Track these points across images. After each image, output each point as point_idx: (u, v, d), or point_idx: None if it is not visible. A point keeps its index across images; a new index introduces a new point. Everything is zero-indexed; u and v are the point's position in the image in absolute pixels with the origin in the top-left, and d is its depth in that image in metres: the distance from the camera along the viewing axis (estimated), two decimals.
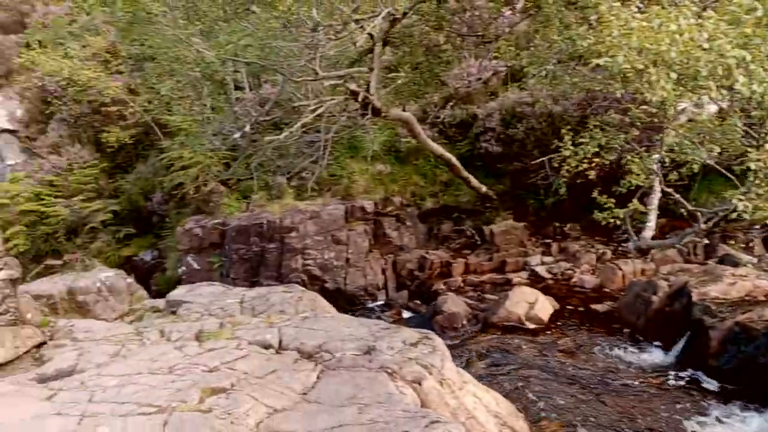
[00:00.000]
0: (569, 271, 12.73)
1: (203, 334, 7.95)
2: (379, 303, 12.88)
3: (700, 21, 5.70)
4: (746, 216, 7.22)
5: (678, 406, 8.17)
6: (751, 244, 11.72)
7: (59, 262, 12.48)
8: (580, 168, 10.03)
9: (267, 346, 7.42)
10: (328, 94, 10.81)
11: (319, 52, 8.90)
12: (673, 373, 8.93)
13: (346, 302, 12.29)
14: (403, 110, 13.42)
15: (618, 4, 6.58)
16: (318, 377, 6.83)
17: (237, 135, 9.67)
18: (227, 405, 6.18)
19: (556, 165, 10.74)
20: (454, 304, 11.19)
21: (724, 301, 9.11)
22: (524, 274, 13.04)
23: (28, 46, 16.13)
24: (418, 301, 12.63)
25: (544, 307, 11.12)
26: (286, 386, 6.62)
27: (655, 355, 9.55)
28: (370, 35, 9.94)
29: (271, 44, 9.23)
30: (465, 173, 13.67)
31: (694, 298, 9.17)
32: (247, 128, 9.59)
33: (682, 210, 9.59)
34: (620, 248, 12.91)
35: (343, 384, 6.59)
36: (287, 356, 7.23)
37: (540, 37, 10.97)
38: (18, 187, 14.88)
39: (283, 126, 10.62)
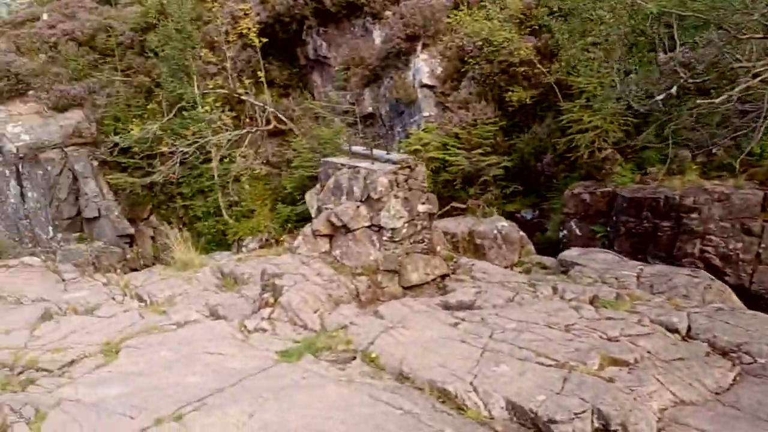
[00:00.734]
0: None
1: (599, 300, 7.52)
2: None
3: None
4: None
5: None
6: None
7: (463, 206, 13.35)
8: None
9: (673, 330, 6.64)
10: None
11: None
12: None
13: (750, 303, 10.49)
14: None
15: None
16: (735, 379, 5.82)
17: (659, 98, 8.78)
18: (630, 380, 5.69)
19: None
20: None
21: None
22: None
23: (456, 7, 17.48)
24: None
25: None
26: (696, 379, 5.81)
27: None
28: None
29: None
30: None
31: None
32: (674, 90, 8.61)
33: None
34: None
35: None
36: (697, 346, 6.36)
37: None
38: (429, 136, 16.36)
39: (710, 91, 9.28)
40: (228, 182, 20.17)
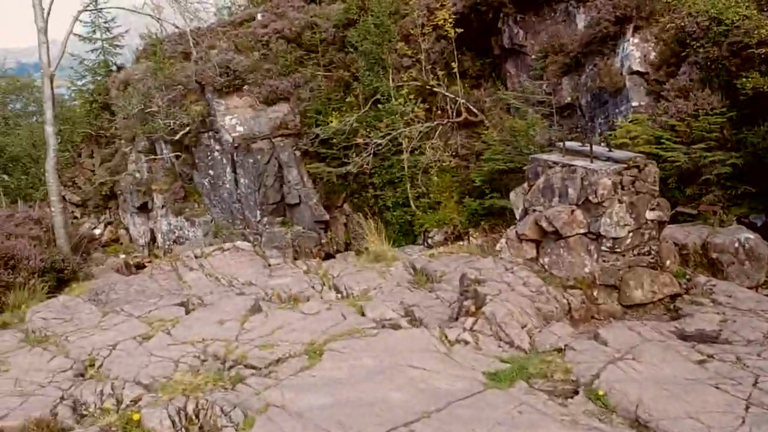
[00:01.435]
0: None
1: None
2: None
3: None
4: None
5: None
6: None
7: (693, 211, 11.42)
8: None
9: None
10: None
11: None
12: None
13: None
14: None
15: None
16: None
17: None
18: None
19: None
20: None
21: None
22: None
23: None
24: None
25: None
26: None
27: None
28: None
29: None
30: None
31: None
32: None
33: None
34: None
35: None
36: None
37: None
38: (639, 128, 14.37)
39: None
40: (417, 174, 19.78)
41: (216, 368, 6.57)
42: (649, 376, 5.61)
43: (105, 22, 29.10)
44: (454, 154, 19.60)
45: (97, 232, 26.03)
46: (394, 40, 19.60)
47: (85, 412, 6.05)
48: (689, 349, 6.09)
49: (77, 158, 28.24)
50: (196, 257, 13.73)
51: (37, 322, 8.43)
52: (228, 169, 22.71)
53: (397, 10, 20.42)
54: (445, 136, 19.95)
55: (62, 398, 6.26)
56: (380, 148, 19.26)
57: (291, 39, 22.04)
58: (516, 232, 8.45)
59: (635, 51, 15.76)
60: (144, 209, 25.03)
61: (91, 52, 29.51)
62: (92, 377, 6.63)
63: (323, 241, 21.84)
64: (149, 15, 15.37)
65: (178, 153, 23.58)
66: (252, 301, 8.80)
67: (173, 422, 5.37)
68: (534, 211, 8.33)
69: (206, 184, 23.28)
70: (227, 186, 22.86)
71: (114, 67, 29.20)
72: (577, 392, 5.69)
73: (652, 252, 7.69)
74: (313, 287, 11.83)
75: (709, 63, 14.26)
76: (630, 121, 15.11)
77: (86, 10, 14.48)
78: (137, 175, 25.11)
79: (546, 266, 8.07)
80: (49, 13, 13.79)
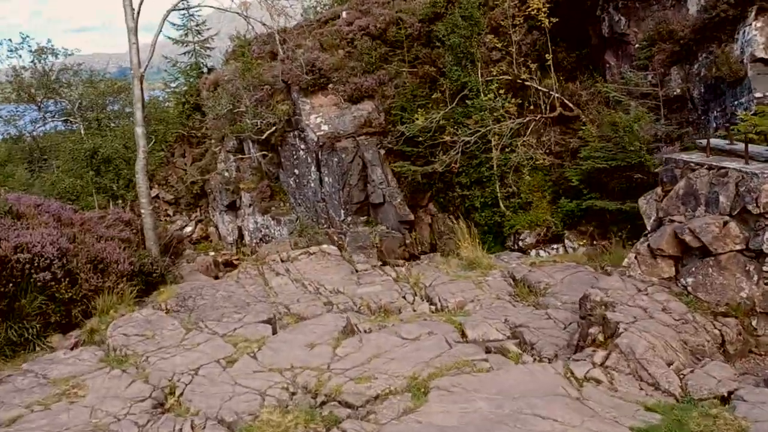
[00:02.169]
0: None
1: None
2: None
3: None
4: None
5: None
6: None
7: None
8: None
9: None
10: None
11: None
12: None
13: None
14: None
15: None
16: None
17: None
18: None
19: None
20: None
21: None
22: None
23: None
24: None
25: None
26: None
27: None
28: None
29: None
30: None
31: None
32: None
33: None
34: None
35: None
36: None
37: None
38: (766, 121, 12.32)
39: None
40: (507, 172, 18.28)
41: (307, 404, 5.57)
42: None
43: (196, 25, 29.22)
44: (547, 151, 17.95)
45: (188, 229, 26.13)
46: (483, 33, 18.16)
47: None
48: None
49: (170, 158, 28.51)
50: (282, 261, 12.97)
51: (118, 338, 7.78)
52: (312, 168, 22.02)
53: (486, 1, 18.94)
54: (538, 133, 18.31)
55: None
56: (468, 146, 17.90)
57: (376, 36, 21.00)
58: (648, 245, 6.98)
59: (759, 36, 13.58)
60: (232, 207, 24.82)
61: (183, 54, 29.75)
62: (171, 409, 5.81)
63: (408, 241, 20.71)
64: (237, 12, 14.79)
65: (265, 152, 23.13)
66: (343, 321, 7.76)
67: None
68: (671, 221, 6.84)
69: (291, 183, 22.70)
70: (312, 185, 22.18)
71: (205, 69, 29.28)
72: None
73: None
74: (404, 297, 10.75)
75: None
76: (754, 114, 13.05)
77: (175, 9, 13.96)
78: (226, 174, 24.93)
79: (689, 288, 6.56)
80: (138, 14, 13.40)
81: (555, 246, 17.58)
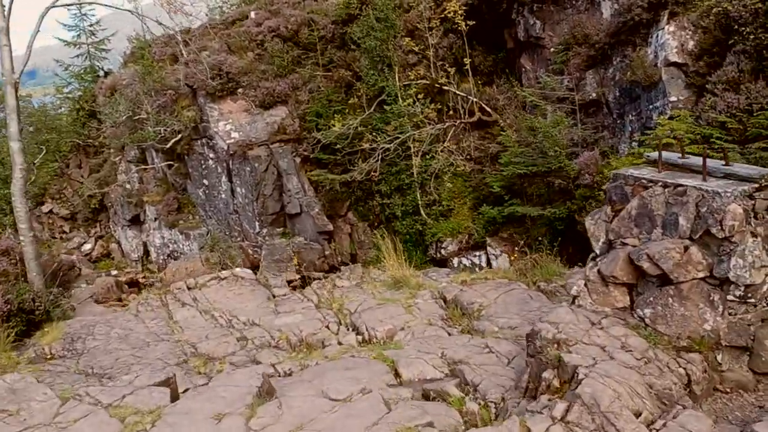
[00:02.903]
0: None
1: None
2: None
3: None
4: None
5: None
6: None
7: None
8: None
9: None
10: None
11: None
12: None
13: None
14: None
15: None
16: None
17: None
18: None
19: None
20: None
21: None
22: None
23: None
24: None
25: None
26: None
27: None
28: None
29: None
30: None
31: None
32: None
33: None
34: None
35: None
36: None
37: None
38: (683, 126, 12.11)
39: None
40: (428, 179, 17.45)
41: None
42: None
43: (90, 26, 26.47)
44: (467, 157, 17.27)
45: (87, 247, 23.51)
46: (400, 36, 17.20)
47: None
48: None
49: (65, 169, 25.62)
50: (189, 288, 11.34)
51: None
52: (223, 178, 20.26)
53: (401, 3, 17.98)
54: (457, 138, 17.60)
55: None
56: (388, 153, 16.88)
57: (287, 37, 19.54)
58: (599, 271, 6.15)
59: (671, 40, 13.44)
60: (136, 222, 22.53)
61: (76, 57, 26.87)
62: None
63: (327, 252, 19.44)
64: (128, 11, 12.92)
65: (171, 162, 21.08)
66: (258, 379, 6.41)
67: None
68: (624, 244, 6.04)
69: (201, 194, 20.81)
70: (223, 196, 20.40)
71: (101, 73, 26.57)
72: None
73: None
74: (327, 326, 9.48)
75: (760, 51, 12.03)
76: (670, 118, 12.86)
77: (55, 6, 11.94)
78: (128, 186, 22.57)
79: (647, 320, 5.77)
80: (10, 11, 11.30)
81: (477, 253, 16.92)
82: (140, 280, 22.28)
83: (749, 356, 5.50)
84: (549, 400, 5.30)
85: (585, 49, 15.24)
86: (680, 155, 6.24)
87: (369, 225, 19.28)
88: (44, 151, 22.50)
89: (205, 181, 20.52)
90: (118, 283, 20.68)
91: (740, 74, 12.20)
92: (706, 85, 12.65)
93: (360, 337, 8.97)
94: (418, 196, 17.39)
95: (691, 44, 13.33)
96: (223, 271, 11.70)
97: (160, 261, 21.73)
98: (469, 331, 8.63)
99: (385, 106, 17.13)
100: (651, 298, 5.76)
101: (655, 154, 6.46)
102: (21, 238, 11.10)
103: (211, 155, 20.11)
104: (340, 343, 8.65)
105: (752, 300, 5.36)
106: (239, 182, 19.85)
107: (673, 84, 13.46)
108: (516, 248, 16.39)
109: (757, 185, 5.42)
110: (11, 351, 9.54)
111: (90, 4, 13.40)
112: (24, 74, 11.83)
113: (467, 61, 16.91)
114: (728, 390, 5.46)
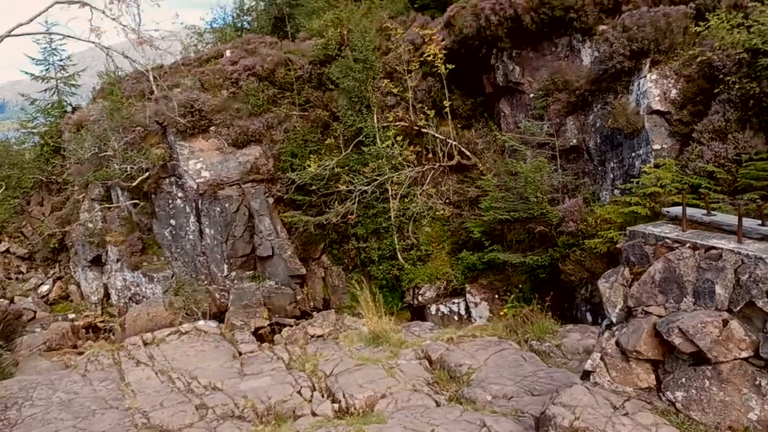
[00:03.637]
0: None
1: None
2: None
3: None
4: None
5: None
6: None
7: None
8: None
9: None
10: None
11: None
12: None
13: None
14: None
15: None
16: None
17: None
18: None
19: None
20: None
21: None
22: None
23: (699, 15, 12.58)
24: None
25: None
26: None
27: None
28: None
29: None
30: None
31: None
32: None
33: None
34: None
35: None
36: None
37: None
38: (669, 175, 11.48)
39: None
40: (406, 223, 16.51)
41: None
42: None
43: (60, 60, 25.25)
44: (446, 200, 16.42)
45: (45, 288, 21.73)
46: (378, 77, 16.50)
47: None
48: None
49: (25, 206, 23.94)
50: (145, 344, 9.98)
51: None
52: (192, 219, 18.97)
53: (380, 45, 17.36)
54: (435, 181, 16.79)
55: None
56: (365, 195, 15.94)
57: (263, 77, 18.66)
58: (618, 343, 5.19)
59: (654, 88, 12.97)
60: (97, 263, 20.91)
61: (44, 92, 25.52)
62: None
63: (299, 297, 18.21)
64: (91, 42, 11.85)
65: (136, 201, 19.71)
66: None
67: None
68: (646, 313, 5.12)
69: (167, 235, 19.43)
70: (191, 237, 19.07)
71: (69, 108, 25.24)
72: None
73: None
74: (299, 392, 8.26)
75: (746, 100, 11.59)
76: (655, 166, 12.25)
77: (10, 36, 10.80)
78: (90, 225, 21.01)
79: (678, 405, 4.80)
80: None
81: (456, 300, 15.92)
82: (99, 324, 20.63)
83: None
84: None
85: (565, 95, 14.71)
86: (705, 211, 5.41)
87: (344, 269, 18.16)
88: (3, 187, 20.99)
89: (173, 221, 19.20)
90: (74, 329, 19.00)
91: (727, 123, 11.70)
92: (692, 134, 12.12)
93: (336, 406, 7.78)
94: (396, 240, 16.41)
95: (673, 92, 12.88)
96: (184, 325, 10.38)
97: (121, 304, 20.11)
98: (458, 399, 7.53)
99: (363, 147, 16.27)
100: (683, 379, 4.81)
101: (674, 209, 5.62)
102: None
103: (180, 194, 18.86)
104: (314, 414, 7.45)
105: None
106: (208, 223, 18.59)
107: (656, 132, 12.93)
108: (496, 296, 15.48)
109: None
110: None
111: (44, 34, 12.24)
112: None
113: (447, 103, 16.24)
114: None
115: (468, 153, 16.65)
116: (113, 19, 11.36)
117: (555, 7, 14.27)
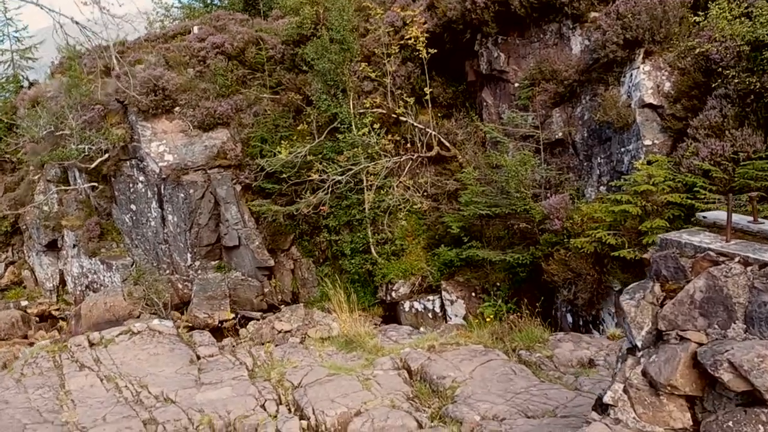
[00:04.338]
0: None
1: None
2: None
3: None
4: None
5: None
6: None
7: None
8: None
9: None
10: None
11: None
12: None
13: None
14: None
15: None
16: None
17: None
18: None
19: None
20: None
21: None
22: None
23: (697, 5, 11.77)
24: None
25: None
26: None
27: None
28: None
29: None
30: None
31: None
32: None
33: None
34: None
35: None
36: None
37: None
38: (662, 172, 10.66)
39: None
40: (380, 216, 15.44)
41: None
42: None
43: (16, 31, 23.26)
44: (424, 193, 15.39)
45: None
46: (355, 60, 15.30)
47: None
48: None
49: None
50: (91, 345, 8.69)
51: None
52: (154, 204, 17.52)
53: (358, 26, 16.14)
54: (413, 173, 15.73)
55: None
56: (339, 185, 14.79)
57: (232, 56, 17.24)
58: (645, 373, 4.25)
59: (647, 80, 12.11)
60: (53, 248, 19.31)
61: None
62: None
63: (266, 290, 17.00)
64: (35, 3, 10.31)
65: (95, 183, 18.16)
66: None
67: None
68: (682, 339, 4.18)
69: (127, 220, 17.95)
70: (152, 224, 17.64)
71: (25, 83, 23.31)
72: None
73: None
74: (263, 406, 7.14)
75: (745, 96, 10.82)
76: (649, 163, 11.41)
77: None
78: (45, 207, 19.36)
79: None
80: None
81: (431, 297, 14.93)
82: (54, 312, 19.11)
83: None
84: None
85: (552, 86, 13.76)
86: (751, 218, 4.48)
87: (314, 262, 17.01)
88: None
89: (133, 207, 17.72)
90: (25, 318, 17.46)
91: (724, 119, 10.89)
92: (687, 130, 11.30)
93: (305, 423, 6.70)
94: (369, 233, 15.33)
95: (667, 85, 12.03)
96: (136, 324, 9.12)
97: (78, 292, 18.59)
98: (442, 418, 6.54)
99: (337, 135, 15.09)
100: (729, 423, 3.88)
101: (711, 214, 4.68)
102: None
103: (141, 178, 17.39)
104: None
105: None
106: (171, 209, 17.18)
107: (647, 127, 12.08)
108: (473, 294, 14.57)
109: None
110: None
111: None
112: None
113: (427, 90, 15.15)
114: None
115: (448, 144, 15.62)
116: None
117: None
